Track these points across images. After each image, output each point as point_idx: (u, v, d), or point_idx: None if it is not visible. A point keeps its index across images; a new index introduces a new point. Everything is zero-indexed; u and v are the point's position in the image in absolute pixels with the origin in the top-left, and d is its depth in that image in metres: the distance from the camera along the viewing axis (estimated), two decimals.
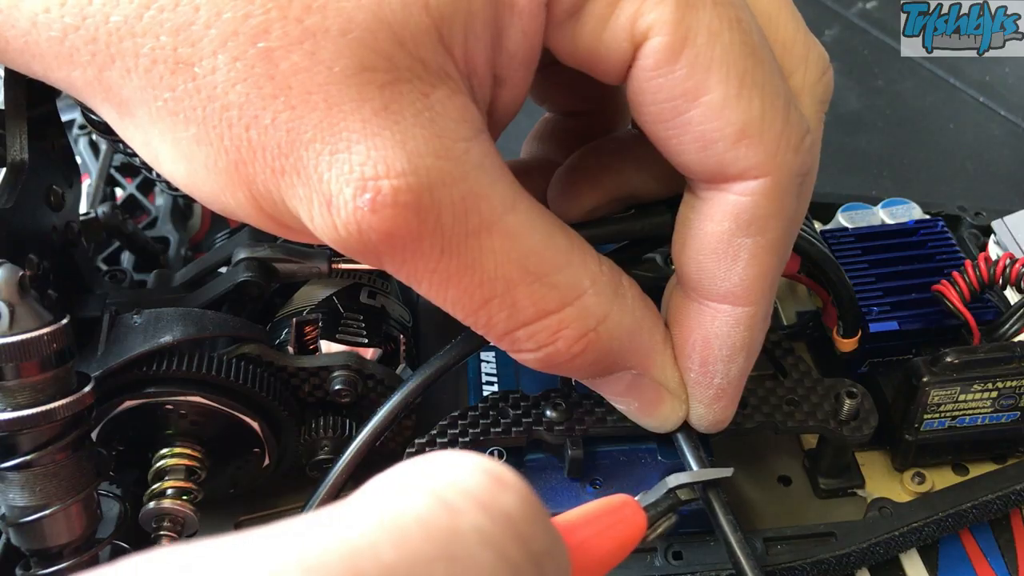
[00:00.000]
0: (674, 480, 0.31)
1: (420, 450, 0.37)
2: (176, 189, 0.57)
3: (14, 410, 0.30)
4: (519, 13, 0.24)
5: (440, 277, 0.25)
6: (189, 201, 0.61)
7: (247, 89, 0.23)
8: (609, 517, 0.23)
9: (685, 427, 0.34)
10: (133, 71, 0.23)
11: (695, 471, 0.34)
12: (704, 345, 0.31)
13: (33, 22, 0.24)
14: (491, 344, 0.37)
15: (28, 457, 0.31)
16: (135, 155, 0.48)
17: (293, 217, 0.25)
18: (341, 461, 0.37)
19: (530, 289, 0.26)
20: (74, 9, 0.23)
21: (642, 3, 0.24)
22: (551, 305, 0.27)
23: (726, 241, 0.28)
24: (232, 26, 0.22)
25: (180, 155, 0.25)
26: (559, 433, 0.38)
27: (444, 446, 0.37)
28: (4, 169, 0.36)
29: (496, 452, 0.40)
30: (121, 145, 0.46)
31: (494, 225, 0.25)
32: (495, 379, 0.43)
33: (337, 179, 0.23)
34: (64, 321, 0.31)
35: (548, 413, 0.38)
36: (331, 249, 0.43)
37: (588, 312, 0.27)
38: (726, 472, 0.33)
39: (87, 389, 0.32)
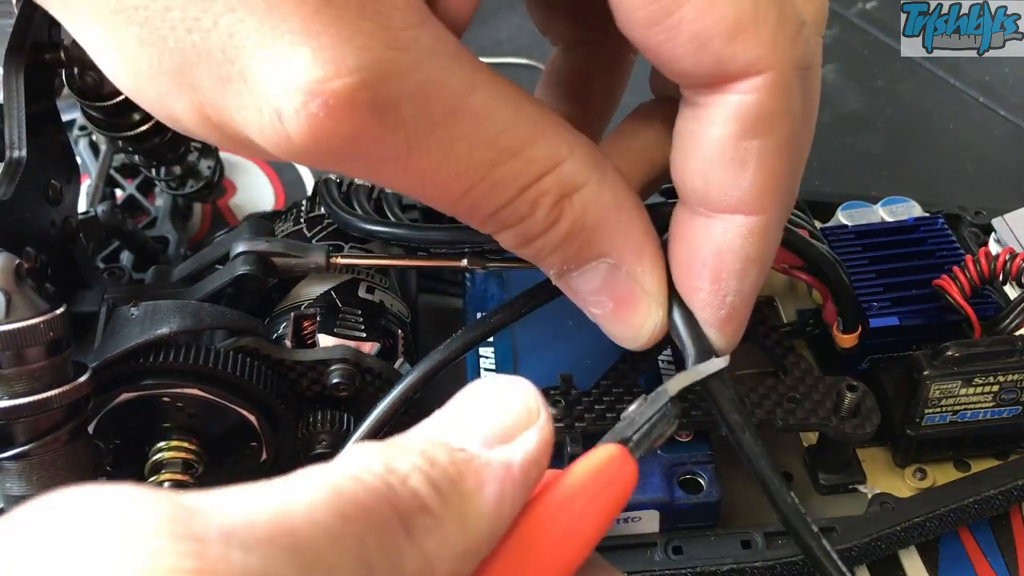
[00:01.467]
0: (674, 386, 0.27)
1: None
2: (176, 189, 0.57)
3: (11, 398, 0.30)
4: None
5: (413, 175, 0.24)
6: (189, 201, 0.61)
7: None
8: (596, 484, 0.22)
9: (685, 313, 0.30)
10: None
11: (690, 370, 0.29)
12: (715, 260, 0.28)
13: None
14: (490, 339, 0.38)
15: (25, 447, 0.31)
16: (135, 155, 0.49)
17: (241, 130, 0.24)
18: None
19: (508, 166, 0.25)
20: None
21: None
22: (531, 177, 0.26)
23: (732, 146, 0.26)
24: None
25: (124, 58, 0.24)
26: (559, 430, 0.38)
27: None
28: (2, 163, 0.36)
29: None
30: (121, 144, 0.46)
31: (459, 110, 0.24)
32: (493, 372, 0.43)
33: (286, 86, 0.22)
34: (61, 310, 0.31)
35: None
36: (330, 244, 0.44)
37: (566, 178, 0.26)
38: (721, 363, 0.30)
39: (84, 378, 0.32)
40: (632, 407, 0.25)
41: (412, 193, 0.26)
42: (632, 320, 0.30)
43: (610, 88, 0.36)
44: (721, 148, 0.27)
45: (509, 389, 0.22)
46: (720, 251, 0.28)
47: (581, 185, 0.27)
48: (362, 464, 0.19)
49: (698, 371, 0.29)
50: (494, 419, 0.21)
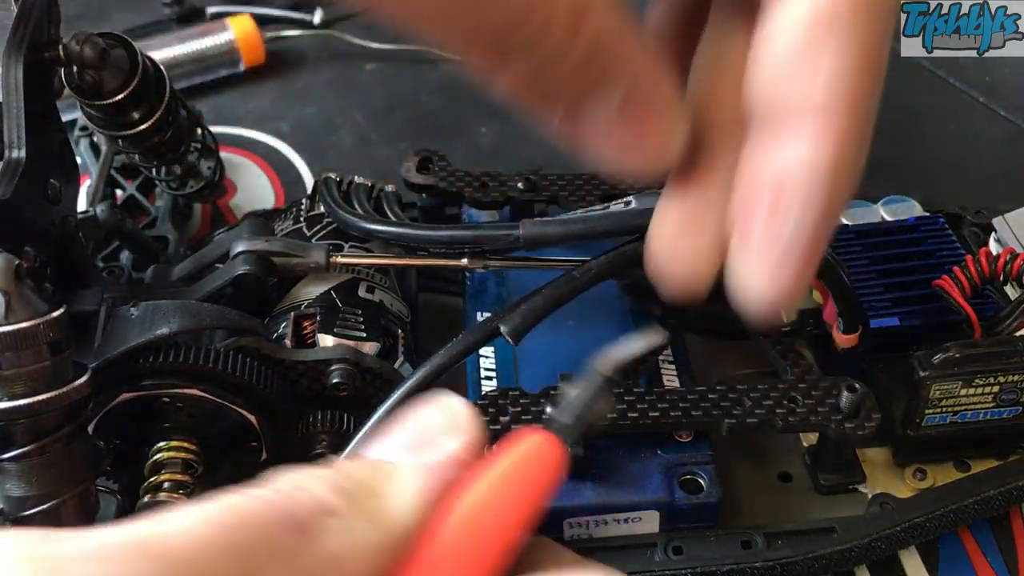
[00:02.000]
0: (606, 365, 0.24)
1: None
2: (177, 189, 0.57)
3: (11, 399, 0.30)
4: None
5: None
6: (189, 201, 0.61)
7: None
8: (519, 472, 0.21)
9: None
10: None
11: (624, 345, 0.25)
12: (776, 181, 0.24)
13: None
14: (491, 338, 0.38)
15: (25, 448, 0.31)
16: (135, 155, 0.49)
17: None
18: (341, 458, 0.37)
19: None
20: None
21: None
22: None
23: (804, 43, 0.23)
24: None
25: None
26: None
27: None
28: (1, 162, 0.36)
29: None
30: (120, 143, 0.46)
31: None
32: (494, 374, 0.43)
33: None
34: (60, 311, 0.31)
35: (548, 410, 0.38)
36: (330, 243, 0.43)
37: None
38: (658, 338, 0.26)
39: (84, 379, 0.32)
40: (568, 389, 0.24)
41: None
42: (656, 140, 0.26)
43: None
44: (793, 44, 0.24)
45: (435, 403, 0.22)
46: (784, 169, 0.24)
47: (589, 5, 0.24)
48: (267, 483, 0.19)
49: (633, 347, 0.25)
50: (416, 428, 0.22)
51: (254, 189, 0.66)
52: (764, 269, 0.25)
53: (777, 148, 0.25)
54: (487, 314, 0.46)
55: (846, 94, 0.24)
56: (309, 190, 0.50)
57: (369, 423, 0.37)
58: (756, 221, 0.25)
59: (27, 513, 0.32)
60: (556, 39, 0.23)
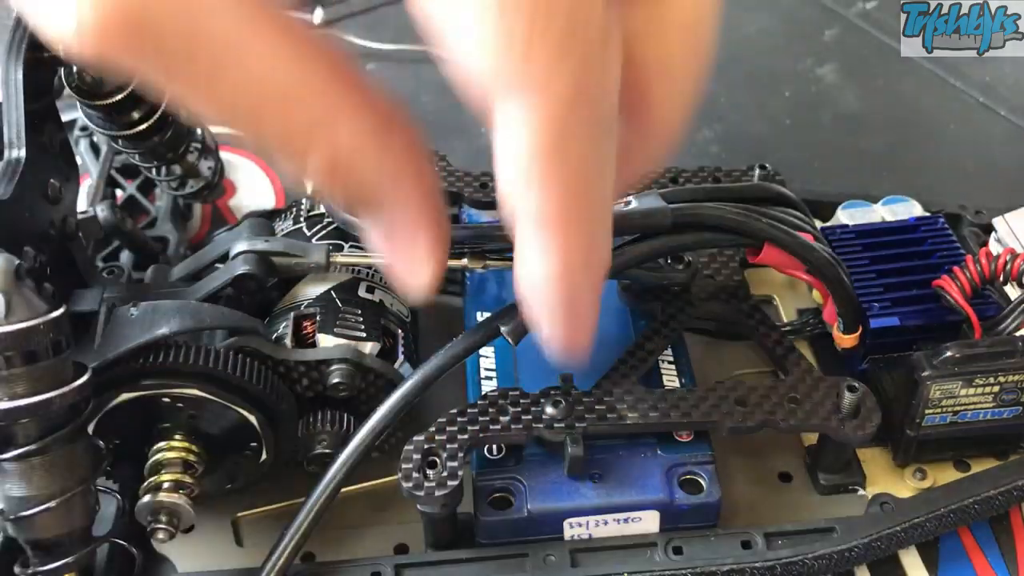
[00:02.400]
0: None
1: (418, 448, 0.37)
2: (177, 189, 0.57)
3: (11, 400, 0.30)
4: None
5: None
6: (189, 201, 0.61)
7: None
8: None
9: None
10: None
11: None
12: None
13: None
14: (492, 338, 0.38)
15: (26, 448, 0.31)
16: (135, 155, 0.49)
17: None
18: (340, 458, 0.37)
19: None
20: None
21: None
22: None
23: None
24: None
25: None
26: (559, 431, 0.38)
27: (443, 443, 0.37)
28: (1, 162, 0.36)
29: (495, 448, 0.40)
30: (120, 143, 0.46)
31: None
32: (494, 374, 0.43)
33: None
34: (61, 311, 0.31)
35: (548, 410, 0.38)
36: (330, 243, 0.43)
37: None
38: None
39: (84, 379, 0.32)
40: None
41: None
42: (411, 256, 0.28)
43: None
44: None
45: None
46: None
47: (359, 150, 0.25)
48: None
49: None
50: None
51: (254, 189, 0.66)
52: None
53: None
54: (487, 314, 0.46)
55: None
56: (309, 190, 0.50)
57: (370, 423, 0.37)
58: None
59: (27, 513, 0.32)
60: (300, 140, 0.25)
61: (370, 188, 0.26)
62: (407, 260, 0.28)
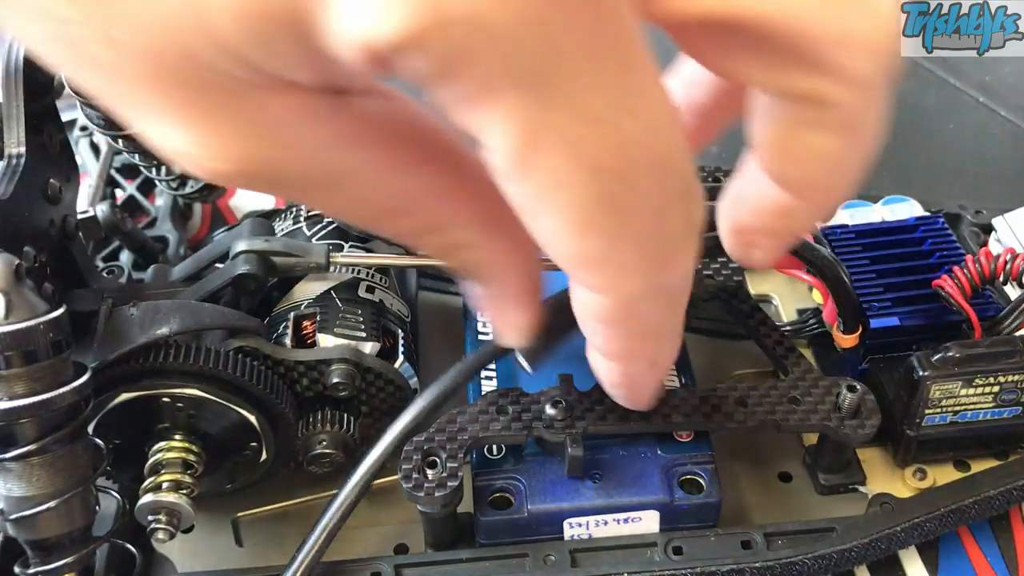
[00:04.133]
0: None
1: (418, 448, 0.37)
2: (177, 188, 0.57)
3: (11, 399, 0.30)
4: None
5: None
6: (189, 201, 0.61)
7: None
8: None
9: None
10: None
11: None
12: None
13: None
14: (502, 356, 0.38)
15: (26, 448, 0.31)
16: (135, 155, 0.49)
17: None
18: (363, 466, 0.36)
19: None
20: None
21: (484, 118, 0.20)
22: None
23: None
24: None
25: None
26: (559, 431, 0.38)
27: (443, 444, 0.37)
28: (2, 162, 0.36)
29: (496, 447, 0.40)
30: (120, 143, 0.46)
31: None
32: (494, 374, 0.43)
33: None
34: (61, 310, 0.31)
35: (548, 410, 0.38)
36: (330, 243, 0.43)
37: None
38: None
39: (84, 379, 0.32)
40: None
41: None
42: (510, 318, 0.30)
43: None
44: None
45: None
46: None
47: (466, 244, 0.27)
48: None
49: None
50: None
51: None
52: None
53: None
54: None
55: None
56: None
57: (385, 439, 0.36)
58: None
59: (27, 513, 0.32)
60: (418, 240, 0.27)
61: (477, 272, 0.28)
62: (505, 319, 0.30)
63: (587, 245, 0.23)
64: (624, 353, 0.29)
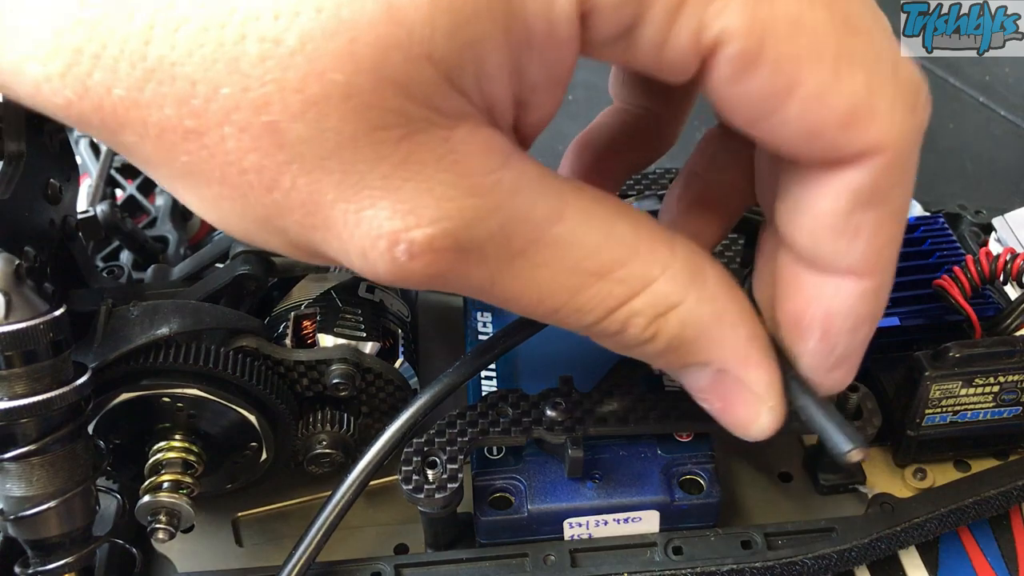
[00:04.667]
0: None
1: (418, 450, 0.37)
2: None
3: (11, 399, 0.30)
4: (538, 48, 0.23)
5: (500, 298, 0.25)
6: None
7: (260, 158, 0.22)
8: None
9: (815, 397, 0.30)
10: (145, 138, 0.23)
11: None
12: (825, 319, 0.28)
13: (37, 89, 0.23)
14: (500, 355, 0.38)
15: (26, 447, 0.31)
16: None
17: (333, 258, 0.25)
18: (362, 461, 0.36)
19: (593, 291, 0.26)
20: (74, 82, 0.22)
21: (704, 11, 0.22)
22: (618, 300, 0.26)
23: (845, 218, 0.26)
24: (232, 101, 0.21)
25: (208, 207, 0.24)
26: (559, 433, 0.38)
27: (443, 445, 0.37)
28: (1, 162, 0.36)
29: (496, 447, 0.40)
30: None
31: (541, 240, 0.24)
32: (494, 375, 0.43)
33: (368, 234, 0.23)
34: (61, 310, 0.31)
35: (548, 412, 0.38)
36: None
37: (659, 299, 0.26)
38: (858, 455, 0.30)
39: (84, 378, 0.32)
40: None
41: (509, 309, 0.27)
42: (742, 418, 0.30)
43: (668, 130, 0.35)
44: (833, 218, 0.26)
45: None
46: (831, 311, 0.28)
47: (676, 303, 0.27)
48: None
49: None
50: None
51: None
52: (817, 376, 0.30)
53: (820, 289, 0.28)
54: (487, 314, 0.46)
55: (882, 261, 0.27)
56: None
57: (381, 439, 0.36)
58: (808, 345, 0.29)
59: (27, 513, 0.32)
60: (633, 338, 0.27)
61: (697, 341, 0.28)
62: (740, 409, 0.30)
63: (853, 84, 0.23)
64: (885, 254, 0.27)
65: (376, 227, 0.23)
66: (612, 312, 0.26)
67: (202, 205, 0.24)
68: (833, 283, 0.28)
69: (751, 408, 0.29)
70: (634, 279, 0.26)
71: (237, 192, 0.23)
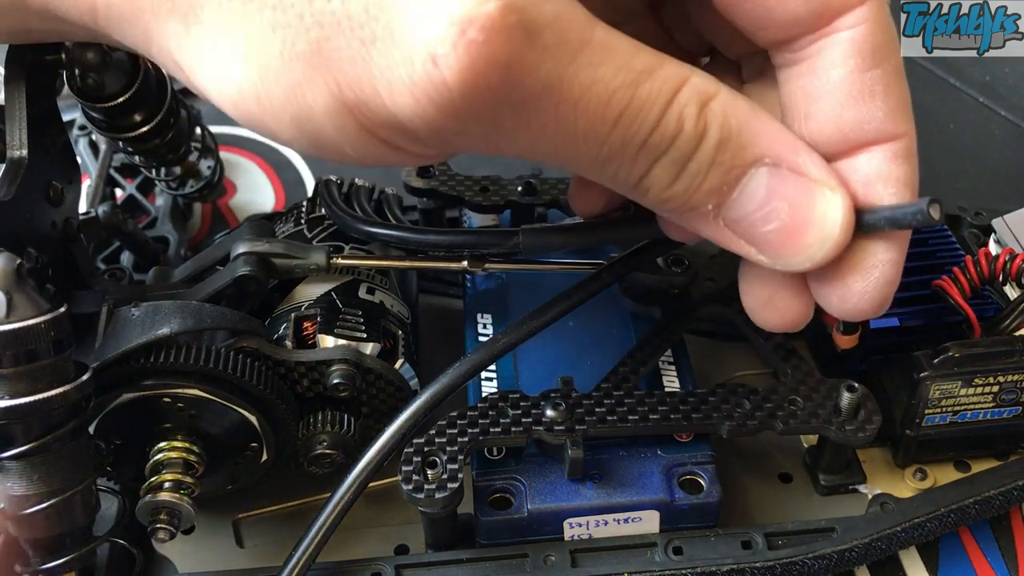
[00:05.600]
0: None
1: (418, 451, 0.37)
2: (176, 189, 0.57)
3: (12, 398, 0.30)
4: None
5: (568, 99, 0.25)
6: (189, 201, 0.61)
7: None
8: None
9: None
10: None
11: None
12: (866, 192, 0.28)
13: None
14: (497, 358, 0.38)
15: (27, 446, 0.31)
16: (135, 156, 0.49)
17: (384, 102, 0.24)
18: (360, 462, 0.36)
19: (649, 84, 0.26)
20: None
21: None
22: (670, 91, 0.26)
23: (858, 80, 0.27)
24: None
25: (251, 52, 0.24)
26: (559, 433, 0.38)
27: (443, 446, 0.37)
28: (3, 164, 0.36)
29: (496, 448, 0.40)
30: (122, 145, 0.46)
31: (591, 40, 0.25)
32: (494, 376, 0.43)
33: (439, 22, 0.23)
34: (62, 310, 0.31)
35: (548, 413, 0.38)
36: (331, 245, 0.44)
37: (700, 88, 0.27)
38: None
39: (85, 377, 0.32)
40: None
41: (562, 143, 0.26)
42: (815, 215, 0.28)
43: None
44: (847, 86, 0.27)
45: None
46: (869, 182, 0.28)
47: (714, 94, 0.27)
48: None
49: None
50: None
51: (254, 189, 0.66)
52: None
53: (854, 165, 0.28)
54: (487, 315, 0.46)
55: (903, 116, 0.28)
56: (309, 192, 0.51)
57: (380, 440, 0.36)
58: None
59: (28, 512, 0.32)
60: (690, 136, 0.27)
61: (744, 130, 0.27)
62: (804, 206, 0.28)
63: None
64: (905, 87, 0.28)
65: (447, 8, 0.22)
66: (668, 106, 0.26)
67: (245, 50, 0.24)
68: (864, 156, 0.28)
69: (819, 196, 0.28)
70: (674, 75, 0.26)
71: (293, 12, 0.23)
